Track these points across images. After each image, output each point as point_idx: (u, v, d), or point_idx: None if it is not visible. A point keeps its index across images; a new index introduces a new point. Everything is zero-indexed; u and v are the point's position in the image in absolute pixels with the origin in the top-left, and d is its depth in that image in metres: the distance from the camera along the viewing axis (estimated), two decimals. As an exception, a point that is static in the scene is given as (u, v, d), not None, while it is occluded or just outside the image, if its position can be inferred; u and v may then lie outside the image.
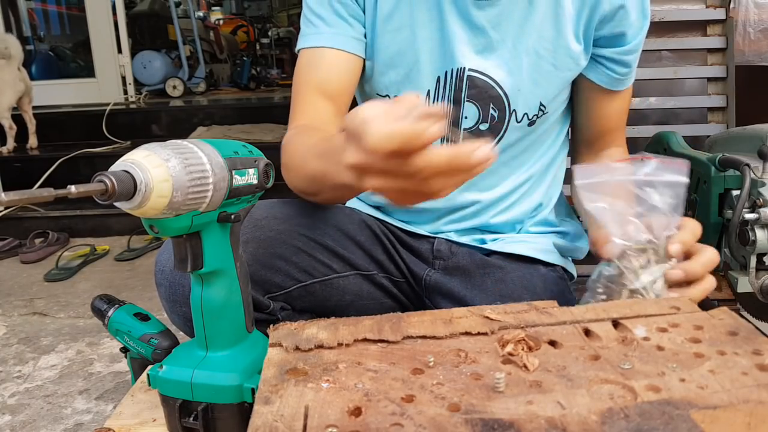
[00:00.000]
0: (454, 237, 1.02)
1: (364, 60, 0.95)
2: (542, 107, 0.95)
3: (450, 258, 1.02)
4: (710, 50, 2.05)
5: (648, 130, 1.74)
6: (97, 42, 4.29)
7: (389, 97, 0.96)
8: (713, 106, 2.06)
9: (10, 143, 3.28)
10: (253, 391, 0.57)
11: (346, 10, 0.92)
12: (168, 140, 0.51)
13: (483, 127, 0.95)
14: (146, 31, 5.42)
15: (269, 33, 7.05)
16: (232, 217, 0.55)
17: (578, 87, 1.00)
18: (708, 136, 1.64)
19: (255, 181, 0.56)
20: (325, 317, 0.97)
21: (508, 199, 1.02)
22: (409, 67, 0.93)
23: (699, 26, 2.05)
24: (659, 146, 1.48)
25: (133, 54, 4.58)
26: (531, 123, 0.96)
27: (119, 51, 4.29)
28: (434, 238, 1.02)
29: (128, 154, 0.48)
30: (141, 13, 5.51)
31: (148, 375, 0.61)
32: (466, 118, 0.94)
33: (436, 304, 1.00)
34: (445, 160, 0.48)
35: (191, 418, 0.58)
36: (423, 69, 0.92)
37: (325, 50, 0.92)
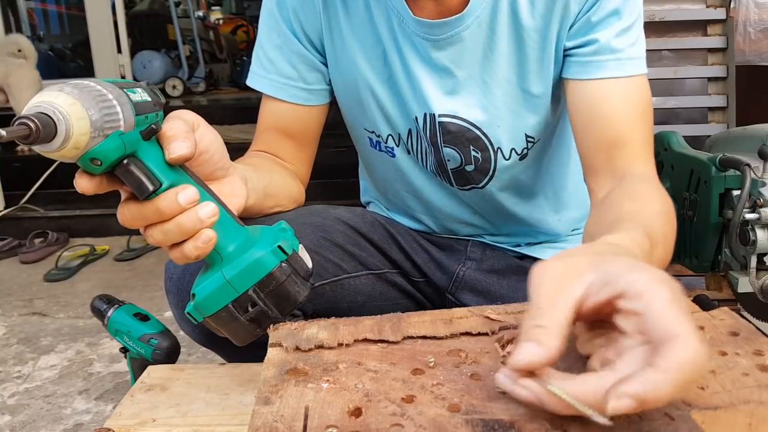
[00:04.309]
0: (488, 240, 1.02)
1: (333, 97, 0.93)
2: (530, 138, 0.88)
3: (483, 260, 1.01)
4: (710, 50, 2.05)
5: (648, 130, 1.74)
6: (96, 42, 4.28)
7: (374, 134, 0.93)
8: (713, 106, 2.06)
9: None
10: (281, 248, 0.57)
11: (300, 60, 0.88)
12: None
13: (468, 168, 0.90)
14: (146, 30, 5.43)
15: (269, 33, 7.04)
16: (154, 126, 0.54)
17: (562, 97, 0.85)
18: (708, 136, 1.64)
19: (148, 98, 0.56)
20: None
21: (540, 224, 1.00)
22: (381, 111, 0.90)
23: (699, 26, 2.05)
24: (659, 146, 1.48)
25: (132, 54, 4.58)
26: (522, 157, 0.90)
27: (119, 51, 4.29)
28: (468, 240, 1.02)
29: (35, 98, 0.49)
30: (141, 12, 5.51)
31: (188, 313, 0.59)
32: (448, 161, 0.90)
33: (463, 301, 0.99)
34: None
35: (251, 308, 0.57)
36: (395, 113, 0.89)
37: (281, 101, 0.90)
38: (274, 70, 0.89)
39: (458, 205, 0.97)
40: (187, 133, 0.57)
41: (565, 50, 0.82)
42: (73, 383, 1.55)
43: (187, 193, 0.55)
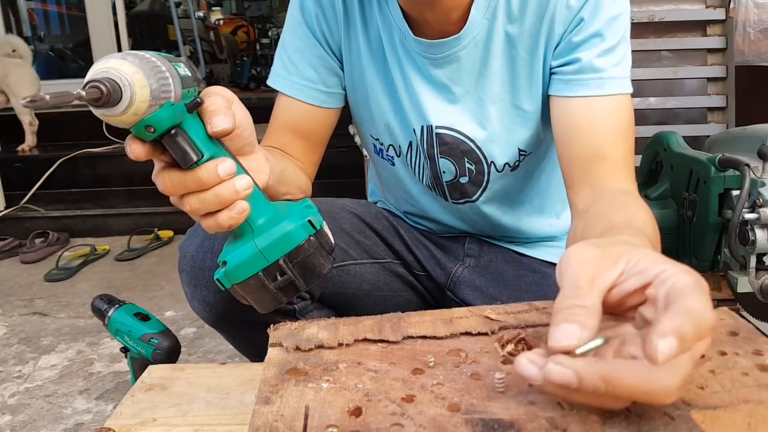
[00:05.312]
0: (485, 237, 1.04)
1: (347, 101, 0.96)
2: (522, 152, 0.92)
3: (481, 256, 1.03)
4: (710, 50, 2.05)
5: (648, 130, 1.74)
6: (97, 42, 4.28)
7: (378, 141, 0.97)
8: (713, 106, 2.06)
9: (30, 139, 3.28)
10: (311, 222, 0.60)
11: (321, 63, 0.91)
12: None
13: (463, 180, 0.94)
14: (146, 31, 5.42)
15: (269, 33, 7.04)
16: (199, 100, 0.58)
17: (548, 112, 0.87)
18: (708, 136, 1.65)
19: (189, 74, 0.59)
20: (344, 307, 0.98)
21: (532, 231, 1.03)
22: (384, 122, 0.94)
23: (699, 26, 2.06)
24: (659, 146, 1.48)
25: (133, 54, 4.58)
26: (514, 168, 0.93)
27: (119, 51, 4.29)
28: (465, 236, 1.04)
29: (100, 64, 0.51)
30: (141, 13, 5.51)
31: (217, 279, 0.61)
32: (444, 173, 0.93)
33: (461, 297, 1.01)
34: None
35: (279, 276, 0.60)
36: (396, 125, 0.93)
37: (299, 101, 0.92)
38: (296, 72, 0.92)
39: (452, 216, 1.00)
40: (228, 108, 0.59)
41: (550, 68, 0.85)
42: (74, 383, 1.55)
43: (225, 165, 0.57)
